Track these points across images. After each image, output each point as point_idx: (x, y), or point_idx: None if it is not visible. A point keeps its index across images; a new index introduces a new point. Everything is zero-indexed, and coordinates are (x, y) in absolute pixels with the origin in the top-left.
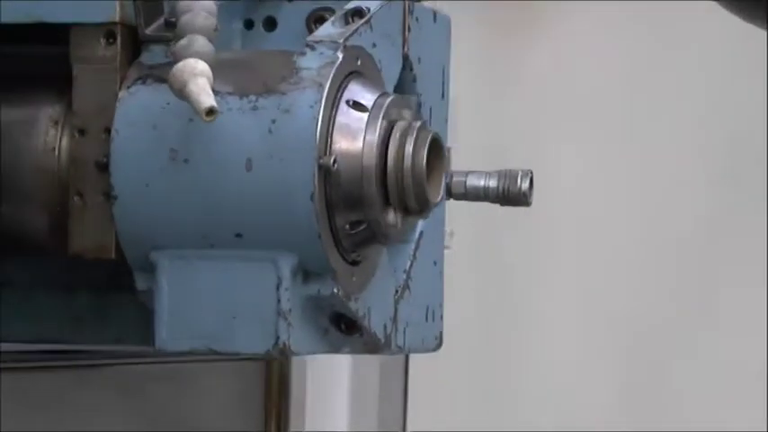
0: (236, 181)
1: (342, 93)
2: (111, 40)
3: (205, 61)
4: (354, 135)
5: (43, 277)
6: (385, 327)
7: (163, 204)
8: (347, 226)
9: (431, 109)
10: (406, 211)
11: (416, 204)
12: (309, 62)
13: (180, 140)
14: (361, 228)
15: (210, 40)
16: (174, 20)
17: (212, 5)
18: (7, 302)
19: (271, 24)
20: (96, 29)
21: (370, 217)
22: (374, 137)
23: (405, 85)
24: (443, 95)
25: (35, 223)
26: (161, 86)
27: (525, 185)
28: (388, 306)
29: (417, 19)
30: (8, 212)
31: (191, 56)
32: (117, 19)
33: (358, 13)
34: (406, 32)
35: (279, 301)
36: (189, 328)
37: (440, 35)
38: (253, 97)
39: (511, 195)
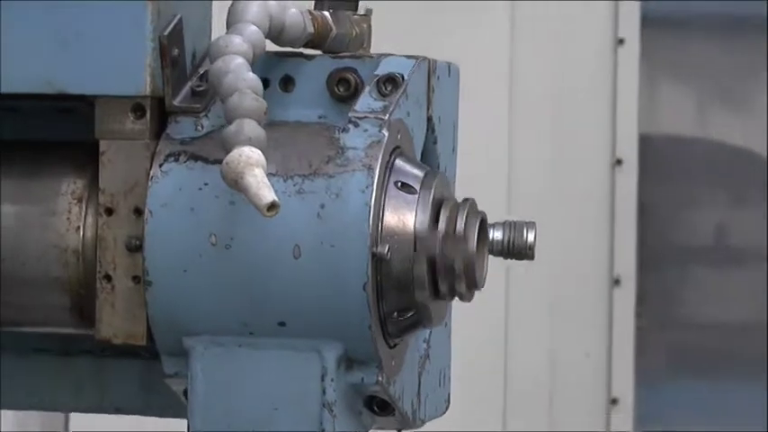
0: (283, 268)
1: (389, 173)
2: (139, 114)
3: (258, 147)
4: (405, 220)
5: (41, 342)
6: (412, 403)
7: (201, 291)
8: (395, 313)
9: (446, 167)
10: (452, 294)
11: (466, 288)
12: (354, 141)
13: (220, 224)
14: (409, 314)
15: (260, 123)
16: (200, 88)
17: (258, 83)
18: (4, 368)
19: (288, 83)
20: (124, 101)
21: (419, 303)
22: (425, 221)
23: (427, 147)
24: (454, 149)
25: (56, 302)
26: (196, 165)
27: (531, 238)
28: (414, 381)
29: (438, 77)
30: (28, 291)
31: (243, 143)
32: (147, 92)
33: (391, 80)
34: (431, 93)
35: (324, 392)
36: (226, 417)
37: (453, 88)
38: (299, 179)
39: (516, 249)
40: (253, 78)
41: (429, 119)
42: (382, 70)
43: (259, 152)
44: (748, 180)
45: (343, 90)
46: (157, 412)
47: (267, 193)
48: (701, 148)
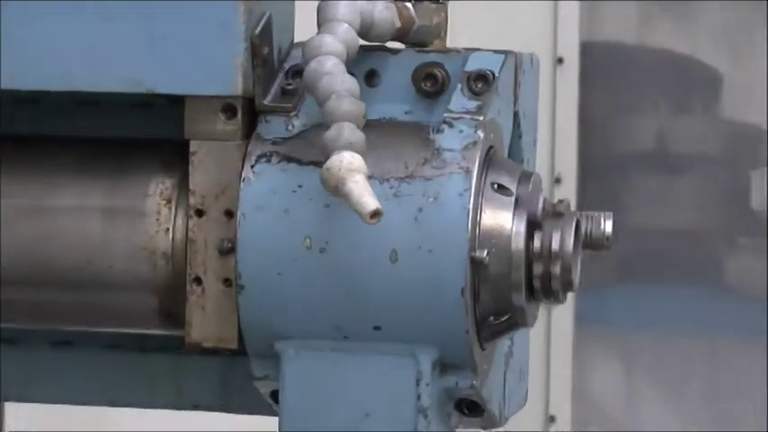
0: (379, 272)
1: (486, 175)
2: (230, 114)
3: (357, 152)
4: (503, 222)
5: (116, 339)
6: (499, 403)
7: (294, 294)
8: (491, 317)
9: (528, 159)
10: (547, 296)
11: (561, 290)
12: (450, 142)
13: (315, 228)
14: (505, 318)
15: (358, 127)
16: (290, 87)
17: (355, 84)
18: (75, 363)
19: (373, 78)
20: (214, 102)
21: (515, 306)
22: (522, 223)
23: (512, 142)
24: (535, 142)
25: (144, 304)
26: (289, 166)
27: (609, 229)
28: (500, 380)
29: (524, 71)
30: (115, 293)
31: (343, 148)
32: (239, 92)
33: (482, 77)
34: (517, 89)
35: (419, 397)
36: (317, 422)
37: (534, 80)
38: (395, 182)
39: (594, 240)
40: (350, 80)
41: (515, 114)
42: (471, 66)
43: (360, 157)
44: (692, 88)
45: (430, 85)
46: (236, 410)
47: (370, 201)
48: (645, 55)
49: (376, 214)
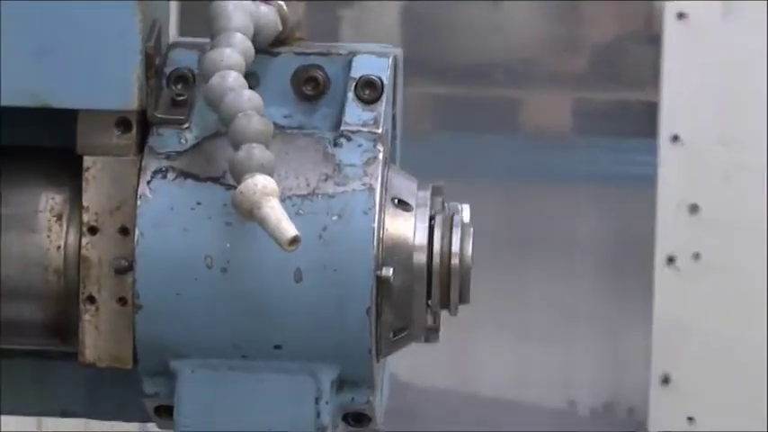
0: (283, 291)
1: (385, 190)
2: (124, 128)
3: (268, 174)
4: (405, 238)
5: None
6: (379, 409)
7: (194, 314)
8: (391, 334)
9: (397, 160)
10: (444, 308)
11: (458, 302)
12: (351, 157)
13: (216, 246)
14: (404, 334)
15: (266, 147)
16: (181, 98)
17: (260, 101)
18: None
19: (251, 80)
20: (108, 116)
21: (415, 321)
22: (423, 238)
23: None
24: (399, 138)
25: (35, 319)
26: (186, 182)
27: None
28: (380, 388)
29: (399, 70)
30: (7, 305)
31: (255, 170)
32: (135, 106)
33: (370, 84)
34: (396, 91)
35: (318, 415)
36: None
37: (401, 78)
38: (297, 200)
39: None
40: (255, 98)
41: (393, 116)
42: (357, 72)
43: (273, 180)
44: None
45: (311, 89)
46: (103, 416)
47: (289, 227)
48: None
49: (295, 241)
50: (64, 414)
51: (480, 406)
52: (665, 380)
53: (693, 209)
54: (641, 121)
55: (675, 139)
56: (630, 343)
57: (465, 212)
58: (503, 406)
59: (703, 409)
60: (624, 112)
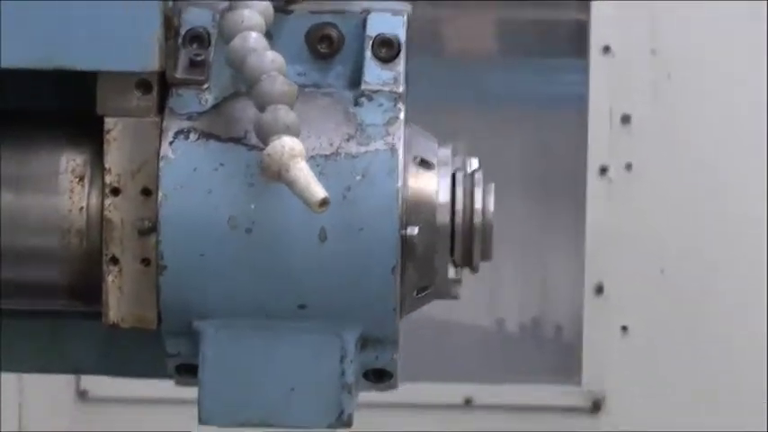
0: (307, 252)
1: (408, 150)
2: (145, 90)
3: (294, 135)
4: (428, 197)
5: None
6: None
7: (218, 274)
8: (415, 292)
9: None
10: (466, 265)
11: (480, 259)
12: (372, 116)
13: (240, 207)
14: (427, 292)
15: (291, 108)
16: (199, 58)
17: (282, 62)
18: None
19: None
20: (129, 78)
21: (439, 280)
22: (446, 197)
23: None
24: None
25: (57, 282)
26: (208, 143)
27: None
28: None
29: (411, 25)
30: (27, 270)
31: (281, 132)
32: (156, 68)
33: (386, 43)
34: (407, 49)
35: (343, 373)
36: (239, 401)
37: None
38: (321, 160)
39: None
40: (278, 58)
41: (406, 74)
42: (373, 30)
43: (299, 142)
44: None
45: (325, 47)
46: (119, 373)
47: (318, 189)
48: None
49: (324, 203)
50: (78, 371)
51: (411, 326)
52: (599, 290)
53: (625, 119)
54: (570, 40)
55: (606, 50)
56: (559, 262)
57: (474, 164)
58: (433, 326)
59: (636, 319)
60: (552, 31)
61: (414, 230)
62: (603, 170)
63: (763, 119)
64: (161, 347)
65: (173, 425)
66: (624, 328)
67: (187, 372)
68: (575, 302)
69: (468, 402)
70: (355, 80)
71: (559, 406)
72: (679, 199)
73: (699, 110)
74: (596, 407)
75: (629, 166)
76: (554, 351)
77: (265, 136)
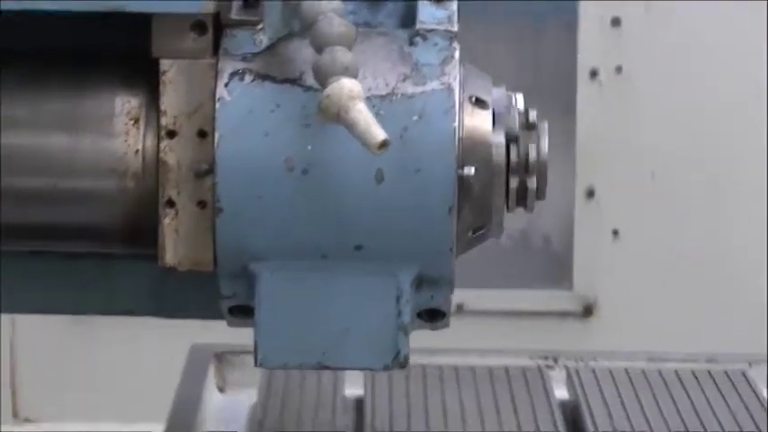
0: (364, 193)
1: (463, 89)
2: (200, 31)
3: (352, 77)
4: (484, 137)
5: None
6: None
7: (275, 216)
8: (470, 232)
9: None
10: (521, 205)
11: (537, 199)
12: (427, 56)
13: (296, 149)
14: (482, 231)
15: (349, 50)
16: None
17: (340, 4)
18: (8, 271)
19: None
20: (184, 19)
21: (495, 219)
22: (501, 136)
23: None
24: None
25: (113, 226)
26: (264, 84)
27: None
28: None
29: None
30: (83, 213)
31: (340, 73)
32: (211, 9)
33: None
34: None
35: (399, 314)
36: (296, 342)
37: None
38: (377, 101)
39: None
40: (335, 1)
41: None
42: None
43: (358, 84)
44: None
45: None
46: (169, 314)
47: (378, 131)
48: None
49: (384, 144)
50: (128, 312)
51: None
52: (590, 194)
53: (615, 22)
54: None
55: None
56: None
57: (520, 100)
58: None
59: (627, 223)
60: None
61: (471, 170)
62: (594, 74)
63: (761, 20)
64: (215, 289)
65: None
66: (615, 232)
67: (241, 313)
68: (565, 210)
69: (459, 308)
70: (407, 19)
71: (551, 311)
72: (669, 102)
73: (690, 9)
74: (588, 311)
75: (619, 69)
76: (544, 260)
77: (324, 77)
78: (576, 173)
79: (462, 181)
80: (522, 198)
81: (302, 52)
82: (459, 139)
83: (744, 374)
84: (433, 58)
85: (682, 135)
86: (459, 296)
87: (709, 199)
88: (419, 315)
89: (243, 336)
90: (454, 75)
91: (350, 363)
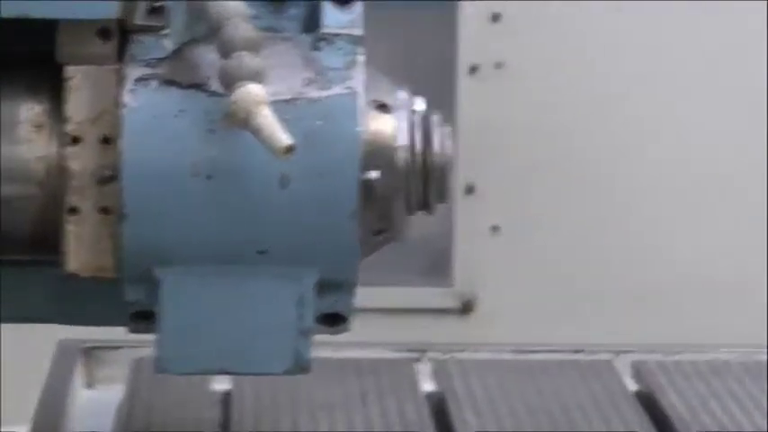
0: (269, 198)
1: (367, 93)
2: (105, 37)
3: (260, 82)
4: (387, 140)
5: None
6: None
7: (179, 222)
8: (374, 236)
9: None
10: (422, 208)
11: (437, 201)
12: (332, 60)
13: (201, 154)
14: (384, 235)
15: (256, 55)
16: (159, 4)
17: (245, 8)
18: None
19: None
20: (90, 25)
21: (396, 223)
22: (404, 139)
23: None
24: None
25: (17, 231)
26: (169, 90)
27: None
28: None
29: None
30: None
31: (245, 78)
32: (117, 15)
33: None
34: None
35: (302, 318)
36: (198, 348)
37: None
38: (281, 105)
39: None
40: (240, 5)
41: None
42: None
43: (263, 88)
44: None
45: None
46: (72, 321)
47: (283, 136)
48: None
49: (290, 150)
50: (28, 320)
51: None
52: (470, 190)
53: (495, 17)
54: None
55: None
56: None
57: (422, 104)
58: None
59: (507, 218)
60: None
61: (375, 174)
62: (474, 69)
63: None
64: (118, 296)
65: None
66: (495, 228)
67: (144, 319)
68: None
69: None
70: (310, 23)
71: (430, 308)
72: (549, 98)
73: (567, 6)
74: (467, 308)
75: (498, 65)
76: (422, 258)
77: (230, 83)
78: (457, 169)
79: (366, 185)
80: (425, 201)
81: (207, 57)
82: (362, 142)
83: (609, 364)
84: (338, 62)
85: (562, 131)
86: None
87: (589, 194)
88: (320, 320)
89: (109, 331)
90: (359, 78)
91: (253, 368)
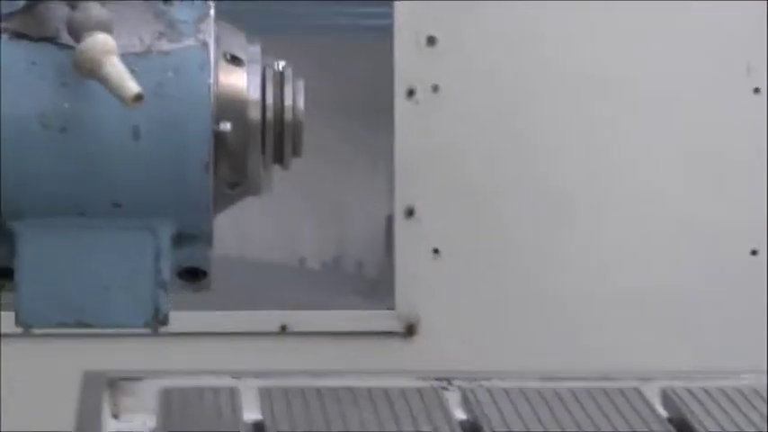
0: (122, 150)
1: (219, 46)
2: None
3: (107, 32)
4: (239, 93)
5: None
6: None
7: (32, 174)
8: (228, 188)
9: None
10: (277, 161)
11: (292, 155)
12: (183, 14)
13: (53, 107)
14: (239, 188)
15: (103, 5)
16: None
17: None
18: None
19: None
20: None
21: (250, 174)
22: (256, 92)
23: None
24: None
25: None
26: (20, 43)
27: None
28: None
29: None
30: None
31: (93, 28)
32: None
33: None
34: None
35: (159, 271)
36: (56, 301)
37: None
38: (132, 58)
39: None
40: None
41: None
42: None
43: (112, 38)
44: None
45: None
46: None
47: (132, 84)
48: None
49: (138, 98)
50: None
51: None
52: (409, 213)
53: (431, 41)
54: None
55: None
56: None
57: (277, 60)
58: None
59: (448, 241)
60: None
61: (226, 126)
62: (411, 93)
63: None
64: None
65: None
66: (436, 251)
67: (5, 277)
68: (375, 232)
69: (284, 329)
70: None
71: (374, 331)
72: (486, 120)
73: (505, 26)
74: (410, 330)
75: (435, 88)
76: (357, 285)
77: (78, 33)
78: (395, 192)
79: (218, 137)
80: (279, 155)
81: (58, 11)
82: (214, 95)
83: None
84: (189, 15)
85: (501, 152)
86: (282, 317)
87: (531, 214)
88: (181, 276)
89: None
90: (209, 32)
91: (110, 321)
